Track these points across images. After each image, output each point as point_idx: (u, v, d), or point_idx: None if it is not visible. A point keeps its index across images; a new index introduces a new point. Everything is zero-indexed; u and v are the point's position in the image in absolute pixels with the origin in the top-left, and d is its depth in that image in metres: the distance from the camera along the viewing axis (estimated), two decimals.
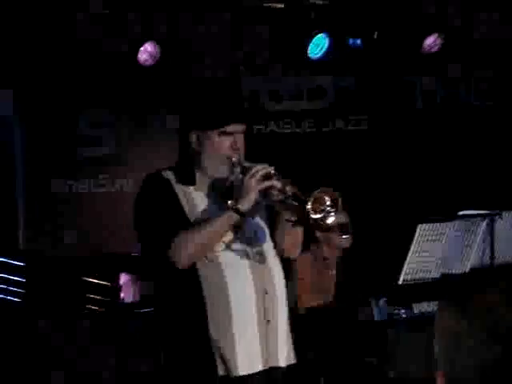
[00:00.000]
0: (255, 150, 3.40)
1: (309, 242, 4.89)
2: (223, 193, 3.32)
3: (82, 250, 6.50)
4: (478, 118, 7.37)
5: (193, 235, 3.22)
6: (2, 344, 5.47)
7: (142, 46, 6.53)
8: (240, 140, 3.33)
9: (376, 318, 4.65)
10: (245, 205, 3.20)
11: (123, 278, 5.95)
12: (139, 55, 6.54)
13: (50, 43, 6.30)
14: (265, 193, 3.21)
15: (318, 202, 3.16)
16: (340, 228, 4.60)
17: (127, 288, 5.89)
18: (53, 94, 6.66)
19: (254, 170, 3.18)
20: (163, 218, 3.25)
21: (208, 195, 3.33)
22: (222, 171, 3.31)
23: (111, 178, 6.96)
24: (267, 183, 3.18)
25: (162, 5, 6.40)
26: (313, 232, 4.84)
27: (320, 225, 3.19)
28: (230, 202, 3.24)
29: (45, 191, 6.80)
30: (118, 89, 6.76)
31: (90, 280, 5.86)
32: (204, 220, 3.26)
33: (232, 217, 3.23)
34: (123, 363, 5.33)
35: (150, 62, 6.58)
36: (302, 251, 4.91)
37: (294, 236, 3.42)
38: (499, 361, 1.30)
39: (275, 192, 3.19)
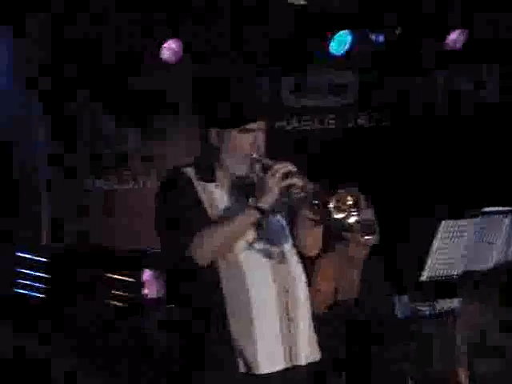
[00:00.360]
0: (277, 147, 3.39)
1: (334, 241, 4.90)
2: (244, 190, 3.31)
3: (106, 247, 6.53)
4: (501, 114, 7.33)
5: (213, 233, 3.21)
6: (27, 338, 5.51)
7: (165, 43, 6.57)
8: (261, 137, 3.32)
9: (399, 315, 4.64)
10: (266, 203, 3.19)
11: (146, 274, 5.98)
12: (162, 52, 6.57)
13: (70, 39, 6.34)
14: (286, 191, 3.19)
15: (341, 201, 3.14)
16: (366, 227, 4.58)
17: (151, 284, 5.91)
18: (75, 91, 6.70)
19: (275, 168, 3.17)
20: (183, 216, 3.24)
21: (229, 192, 3.33)
22: (242, 169, 3.30)
23: (134, 174, 6.99)
24: (288, 181, 3.17)
25: (185, 4, 6.43)
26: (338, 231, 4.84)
27: (341, 224, 3.17)
28: (251, 199, 3.23)
29: (69, 187, 6.84)
30: (139, 86, 6.79)
31: (114, 276, 5.89)
32: (224, 218, 3.25)
33: (253, 215, 3.22)
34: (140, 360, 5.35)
35: (173, 60, 6.61)
36: (326, 251, 4.93)
37: (314, 235, 3.40)
38: None
39: (296, 190, 3.18)
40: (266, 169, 3.23)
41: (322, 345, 3.47)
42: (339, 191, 3.13)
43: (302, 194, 3.18)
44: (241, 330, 3.23)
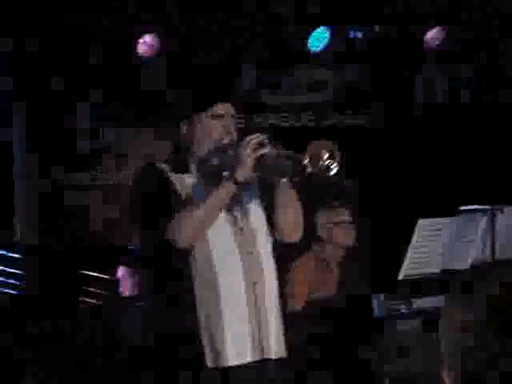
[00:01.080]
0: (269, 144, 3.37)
1: (309, 242, 4.88)
2: (219, 178, 3.30)
3: (81, 243, 6.49)
4: (481, 112, 7.35)
5: (191, 212, 3.20)
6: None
7: (141, 37, 6.53)
8: (231, 123, 3.34)
9: (375, 314, 4.64)
10: (241, 175, 3.18)
11: (121, 271, 5.94)
12: (138, 46, 6.54)
13: (48, 35, 6.29)
14: (259, 162, 3.17)
15: (316, 158, 3.11)
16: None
17: (125, 281, 5.88)
18: (51, 87, 6.64)
19: (247, 140, 3.17)
20: (160, 202, 3.24)
21: (204, 181, 3.33)
22: (213, 157, 3.31)
23: (109, 170, 6.95)
24: (261, 151, 3.16)
25: None
26: (315, 232, 4.83)
27: (323, 176, 3.12)
28: (225, 173, 3.22)
29: (43, 183, 6.79)
30: (117, 80, 6.75)
31: (88, 273, 5.85)
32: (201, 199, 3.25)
33: (229, 188, 3.21)
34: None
35: (149, 54, 6.58)
36: (303, 253, 4.91)
37: (295, 215, 3.37)
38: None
39: (270, 159, 3.17)
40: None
41: (296, 342, 3.46)
42: (311, 147, 3.11)
43: (277, 161, 3.17)
44: (210, 321, 3.23)
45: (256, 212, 3.38)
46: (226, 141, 3.30)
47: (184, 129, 3.36)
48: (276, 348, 3.33)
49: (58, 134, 6.77)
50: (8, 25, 6.15)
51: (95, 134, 6.93)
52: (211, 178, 3.32)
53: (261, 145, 3.17)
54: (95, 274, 5.87)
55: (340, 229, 4.88)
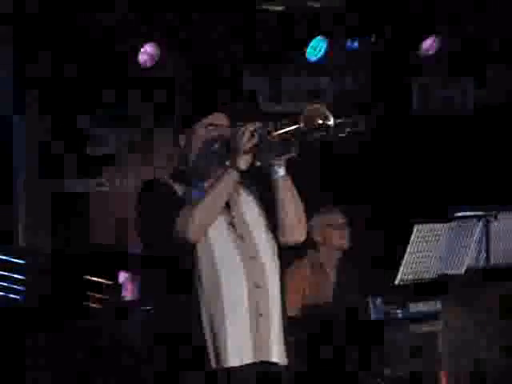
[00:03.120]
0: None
1: (305, 247, 4.92)
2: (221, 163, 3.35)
3: (82, 249, 6.54)
4: (474, 119, 7.43)
5: (198, 204, 3.25)
6: (4, 341, 5.52)
7: (142, 47, 6.60)
8: (226, 133, 3.38)
9: (373, 318, 4.69)
10: (241, 163, 3.25)
11: (122, 276, 6.00)
12: (139, 56, 6.60)
13: (51, 42, 6.36)
14: (257, 148, 3.23)
15: (310, 121, 3.16)
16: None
17: (127, 286, 5.93)
18: (54, 93, 6.71)
19: (242, 129, 3.24)
20: (167, 206, 3.29)
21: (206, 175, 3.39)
22: (212, 159, 3.37)
23: (111, 177, 7.00)
24: (257, 138, 3.23)
25: (162, 6, 6.46)
26: (310, 235, 4.88)
27: (324, 130, 3.16)
28: (228, 161, 3.28)
29: (44, 189, 6.84)
30: (118, 88, 6.82)
31: (91, 278, 5.90)
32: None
33: (232, 176, 3.26)
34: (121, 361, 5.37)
35: (149, 63, 6.65)
36: (299, 258, 4.95)
37: (297, 211, 3.40)
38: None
39: (267, 143, 3.23)
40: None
41: (294, 346, 3.50)
42: (306, 111, 3.15)
43: (273, 138, 3.22)
44: (213, 322, 3.28)
45: (256, 217, 3.42)
46: (220, 143, 3.36)
47: (182, 142, 3.44)
48: (277, 351, 3.38)
49: (62, 140, 6.83)
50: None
51: (99, 141, 6.99)
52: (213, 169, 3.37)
53: (256, 131, 3.24)
54: (97, 280, 5.93)
55: (335, 231, 4.93)
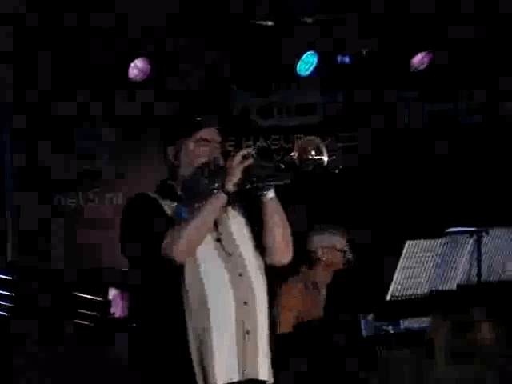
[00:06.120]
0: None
1: (298, 264, 4.92)
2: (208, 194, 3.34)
3: (72, 264, 6.52)
4: (466, 134, 7.44)
5: (185, 226, 3.25)
6: None
7: (131, 61, 6.61)
8: (217, 150, 3.40)
9: (364, 334, 4.68)
10: (230, 185, 3.24)
11: (112, 293, 5.97)
12: (129, 71, 6.61)
13: (47, 55, 6.37)
14: (248, 173, 3.23)
15: (303, 154, 3.16)
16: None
17: (116, 303, 5.91)
18: (49, 107, 6.71)
19: (234, 153, 3.25)
20: (153, 224, 3.28)
21: (195, 205, 3.35)
22: (200, 179, 3.36)
23: (102, 191, 6.99)
24: (249, 161, 3.24)
25: (151, 21, 6.47)
26: (308, 256, 4.89)
27: (315, 169, 3.17)
28: (215, 185, 3.28)
29: (34, 204, 6.82)
30: (112, 102, 6.82)
31: (80, 295, 5.87)
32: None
33: (220, 198, 3.26)
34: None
35: (140, 78, 6.65)
36: (292, 276, 4.95)
37: (284, 234, 3.40)
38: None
39: (258, 168, 3.24)
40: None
41: (284, 363, 3.48)
42: (299, 143, 3.16)
43: (264, 171, 3.23)
44: (199, 339, 3.26)
45: (243, 233, 3.42)
46: (212, 166, 3.36)
47: (171, 154, 3.43)
48: (264, 369, 3.36)
49: (53, 155, 6.82)
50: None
51: (91, 156, 6.99)
52: (200, 199, 3.35)
53: (247, 156, 3.25)
54: (87, 296, 5.90)
55: (339, 252, 4.97)
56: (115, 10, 6.22)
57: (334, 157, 3.20)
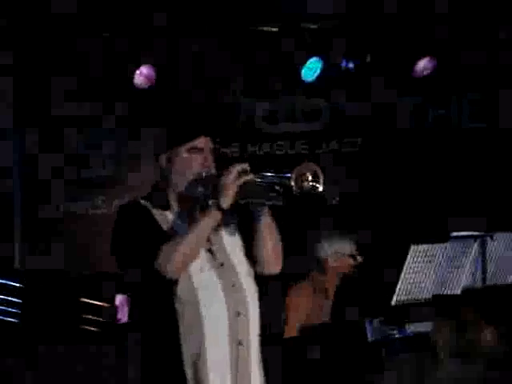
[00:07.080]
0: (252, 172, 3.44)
1: (306, 270, 4.94)
2: (200, 209, 3.36)
3: (79, 271, 6.53)
4: (469, 139, 7.45)
5: (180, 240, 3.24)
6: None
7: (137, 69, 6.63)
8: (210, 158, 3.40)
9: (369, 338, 4.69)
10: (225, 202, 3.23)
11: (118, 299, 5.99)
12: (135, 78, 6.63)
13: (48, 60, 6.40)
14: (242, 189, 3.23)
15: (300, 179, 3.17)
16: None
17: (122, 309, 5.92)
18: (51, 114, 6.73)
19: (230, 168, 3.24)
20: (146, 237, 3.27)
21: (187, 216, 3.38)
22: (194, 189, 3.37)
23: (108, 199, 7.01)
24: (244, 178, 3.23)
25: (159, 29, 6.49)
26: (318, 262, 4.92)
27: (309, 196, 3.18)
28: (210, 201, 3.28)
29: (42, 212, 6.84)
30: (116, 110, 6.85)
31: (88, 301, 5.89)
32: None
33: (214, 215, 3.26)
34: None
35: (145, 85, 6.68)
36: (300, 281, 4.98)
37: (275, 248, 3.42)
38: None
39: (253, 185, 3.24)
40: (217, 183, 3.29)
41: (289, 368, 3.49)
42: (297, 170, 3.16)
43: (260, 189, 3.23)
44: (193, 350, 3.27)
45: (235, 244, 3.42)
46: (204, 174, 3.36)
47: (164, 162, 3.42)
48: (256, 379, 3.38)
49: (59, 160, 6.85)
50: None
51: (96, 163, 7.01)
52: (194, 213, 3.37)
53: (243, 173, 3.25)
54: (94, 302, 5.92)
55: (349, 259, 5.01)
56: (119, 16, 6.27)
57: (329, 188, 3.21)
